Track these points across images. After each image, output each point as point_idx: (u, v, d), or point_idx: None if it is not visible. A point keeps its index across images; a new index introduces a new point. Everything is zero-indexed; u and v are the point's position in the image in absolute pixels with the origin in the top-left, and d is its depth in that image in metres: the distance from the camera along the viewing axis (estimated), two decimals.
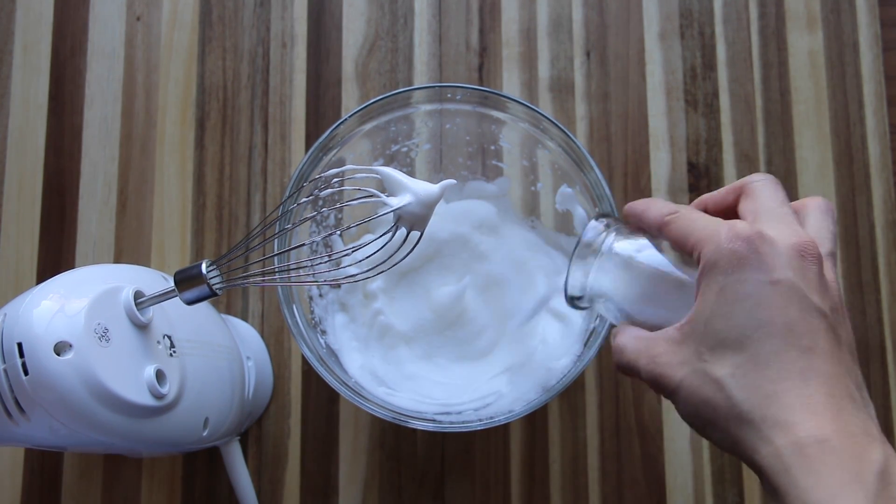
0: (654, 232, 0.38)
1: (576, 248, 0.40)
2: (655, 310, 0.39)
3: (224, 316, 0.55)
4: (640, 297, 0.39)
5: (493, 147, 0.57)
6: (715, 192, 0.39)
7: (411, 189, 0.40)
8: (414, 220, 0.40)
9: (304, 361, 0.58)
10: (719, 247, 0.34)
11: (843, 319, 0.34)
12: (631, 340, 0.37)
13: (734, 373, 0.33)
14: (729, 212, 0.38)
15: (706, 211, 0.39)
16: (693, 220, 0.36)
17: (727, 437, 0.33)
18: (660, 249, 0.39)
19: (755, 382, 0.32)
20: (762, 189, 0.37)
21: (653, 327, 0.38)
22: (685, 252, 0.36)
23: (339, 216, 0.57)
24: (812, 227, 0.36)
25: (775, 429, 0.31)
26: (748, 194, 0.37)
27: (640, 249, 0.39)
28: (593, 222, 0.40)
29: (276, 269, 0.47)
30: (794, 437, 0.31)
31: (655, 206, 0.38)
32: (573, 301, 0.41)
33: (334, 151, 0.51)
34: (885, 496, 0.29)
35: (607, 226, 0.40)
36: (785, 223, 0.35)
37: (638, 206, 0.39)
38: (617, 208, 0.49)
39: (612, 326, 0.45)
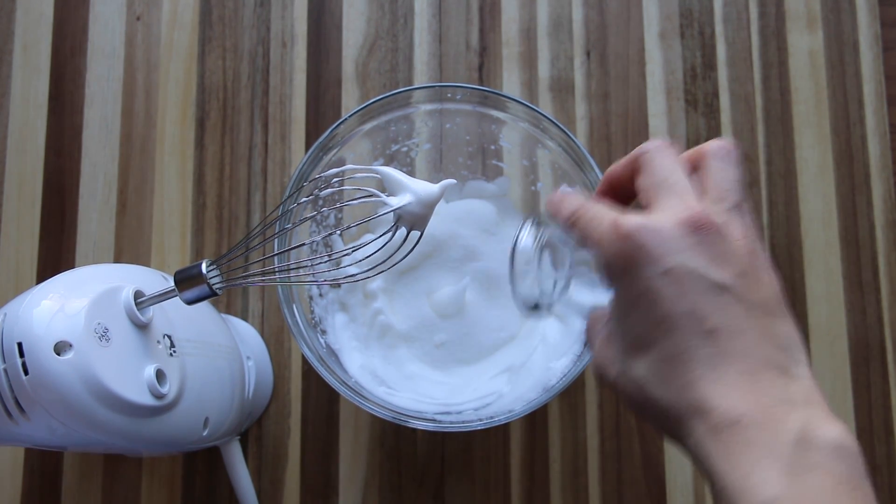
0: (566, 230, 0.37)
1: (512, 257, 0.39)
2: (601, 300, 0.38)
3: (224, 316, 0.55)
4: (586, 289, 0.39)
5: (493, 147, 0.57)
6: (617, 165, 0.37)
7: (411, 189, 0.40)
8: (414, 219, 0.40)
9: (304, 361, 0.58)
10: (607, 250, 0.33)
11: (755, 279, 0.32)
12: (590, 333, 0.37)
13: (647, 372, 0.33)
14: (630, 185, 0.37)
15: (612, 188, 0.38)
16: (588, 220, 0.35)
17: (662, 430, 0.33)
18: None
19: (667, 379, 0.32)
20: (652, 160, 0.35)
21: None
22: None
23: (339, 216, 0.57)
24: (712, 182, 0.34)
25: (693, 419, 0.31)
26: (640, 168, 0.35)
27: (568, 248, 0.39)
28: (525, 229, 0.39)
29: (276, 269, 0.47)
30: (709, 424, 0.30)
31: (564, 206, 0.37)
32: (530, 310, 0.40)
33: (334, 151, 0.51)
34: (802, 464, 0.29)
35: (537, 225, 0.39)
36: (676, 195, 0.33)
37: (552, 205, 0.37)
38: None
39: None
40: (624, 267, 0.32)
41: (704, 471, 0.31)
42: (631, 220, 0.32)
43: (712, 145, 0.35)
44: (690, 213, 0.32)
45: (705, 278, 0.31)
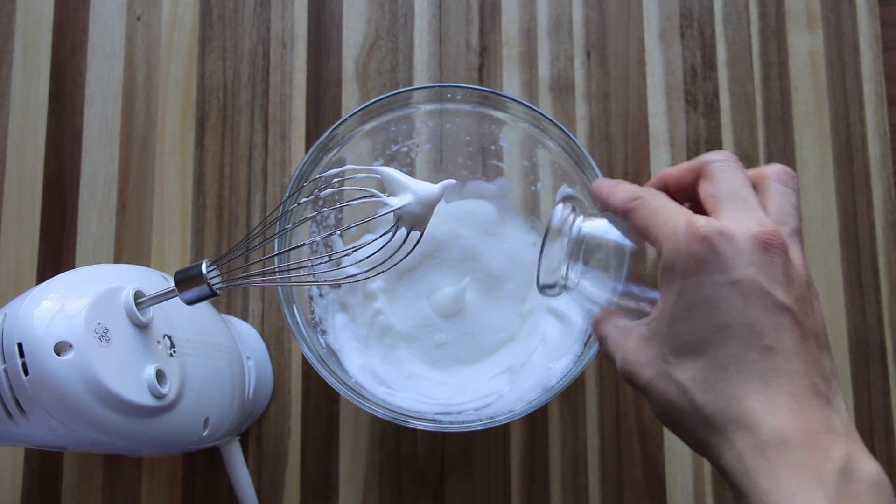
0: (620, 216, 0.37)
1: (546, 233, 0.39)
2: (628, 294, 0.38)
3: (224, 316, 0.55)
4: (611, 281, 0.39)
5: (493, 147, 0.57)
6: (675, 169, 0.37)
7: (411, 189, 0.40)
8: (414, 220, 0.40)
9: (304, 361, 0.58)
10: (677, 247, 0.33)
11: (810, 306, 0.33)
12: (612, 331, 0.37)
13: (695, 377, 0.32)
14: (690, 190, 0.37)
15: (667, 189, 0.38)
16: (654, 210, 0.35)
17: (694, 439, 0.33)
18: (625, 232, 0.38)
19: (716, 386, 0.32)
20: (721, 171, 0.35)
21: (631, 311, 0.37)
22: (649, 242, 0.35)
23: (339, 216, 0.57)
24: (774, 205, 0.35)
25: (737, 432, 0.31)
26: (707, 177, 0.36)
27: (606, 232, 0.38)
28: (560, 206, 0.39)
29: (276, 269, 0.47)
30: (755, 440, 0.30)
31: (619, 190, 0.37)
32: (544, 289, 0.40)
33: (334, 151, 0.51)
34: (846, 493, 0.29)
35: (574, 209, 0.39)
36: (746, 209, 0.34)
37: (602, 188, 0.38)
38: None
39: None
40: (692, 268, 0.32)
41: (741, 486, 0.31)
42: (709, 223, 0.33)
43: (774, 169, 0.36)
44: (764, 229, 0.32)
45: (770, 296, 0.32)
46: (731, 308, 0.32)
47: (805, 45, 0.63)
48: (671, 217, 0.34)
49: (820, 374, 0.32)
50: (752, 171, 0.36)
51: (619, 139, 0.61)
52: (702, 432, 0.32)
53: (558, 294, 0.41)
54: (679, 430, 0.34)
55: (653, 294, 0.37)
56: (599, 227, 0.39)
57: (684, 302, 0.33)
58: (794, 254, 0.33)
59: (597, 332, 0.38)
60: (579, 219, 0.39)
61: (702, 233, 0.32)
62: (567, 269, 0.39)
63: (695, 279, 0.32)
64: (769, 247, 0.32)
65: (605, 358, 0.38)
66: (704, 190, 0.36)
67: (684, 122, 0.62)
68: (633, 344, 0.35)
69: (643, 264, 0.37)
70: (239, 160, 0.61)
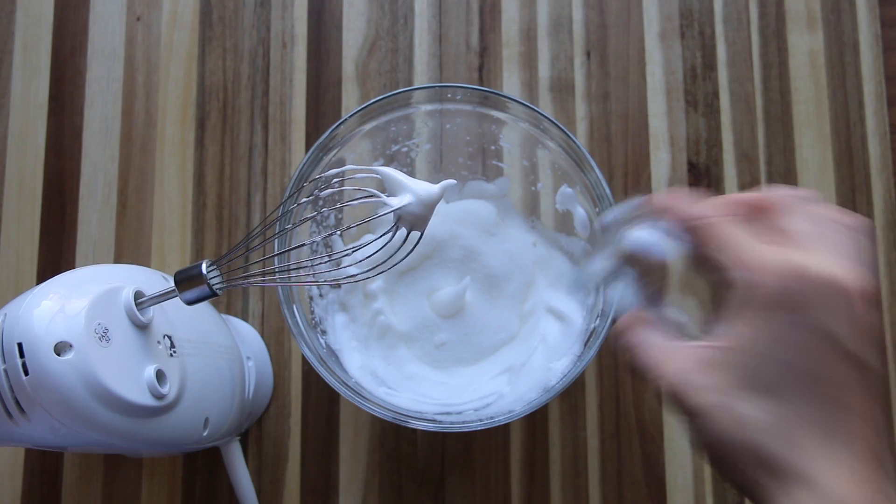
0: (680, 229, 0.35)
1: (602, 229, 0.38)
2: (670, 309, 0.37)
3: (224, 316, 0.55)
4: (653, 291, 0.38)
5: (493, 147, 0.57)
6: (731, 203, 0.35)
7: (411, 189, 0.40)
8: (414, 220, 0.40)
9: (304, 361, 0.58)
10: (761, 280, 0.31)
11: (881, 365, 0.32)
12: (658, 342, 0.35)
13: (761, 417, 0.31)
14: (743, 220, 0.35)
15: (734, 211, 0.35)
16: (730, 235, 0.33)
17: (742, 477, 0.32)
18: (679, 246, 0.37)
19: (782, 431, 0.31)
20: (806, 209, 0.33)
21: (667, 326, 0.36)
22: (712, 263, 0.33)
23: (340, 216, 0.57)
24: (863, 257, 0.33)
25: (797, 483, 0.30)
26: (783, 212, 0.34)
27: (658, 243, 0.37)
28: (617, 207, 0.38)
29: (277, 269, 0.47)
30: (815, 498, 0.29)
31: (686, 205, 0.35)
32: (588, 283, 0.39)
33: (334, 151, 0.51)
34: None
35: (632, 212, 0.38)
36: (832, 253, 0.32)
37: (664, 200, 0.36)
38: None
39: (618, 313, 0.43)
40: (778, 303, 0.31)
41: None
42: (818, 265, 0.31)
43: (860, 222, 0.34)
44: (849, 276, 0.31)
45: (846, 348, 0.31)
46: (822, 357, 0.30)
47: (805, 45, 0.63)
48: (751, 247, 0.32)
49: (877, 433, 0.31)
50: (834, 219, 0.34)
51: (619, 139, 0.61)
52: (754, 472, 0.31)
53: (594, 288, 0.40)
54: (726, 465, 0.33)
55: (695, 318, 0.36)
56: (652, 236, 0.37)
57: (763, 337, 0.31)
58: (872, 311, 0.32)
59: (624, 338, 0.36)
60: (636, 222, 0.38)
61: (789, 270, 0.31)
62: (613, 268, 0.38)
63: (779, 316, 0.31)
64: (852, 296, 0.31)
65: (632, 364, 0.36)
66: (780, 224, 0.33)
67: (684, 122, 0.62)
68: (691, 365, 0.33)
69: (694, 283, 0.37)
70: (239, 160, 0.61)
